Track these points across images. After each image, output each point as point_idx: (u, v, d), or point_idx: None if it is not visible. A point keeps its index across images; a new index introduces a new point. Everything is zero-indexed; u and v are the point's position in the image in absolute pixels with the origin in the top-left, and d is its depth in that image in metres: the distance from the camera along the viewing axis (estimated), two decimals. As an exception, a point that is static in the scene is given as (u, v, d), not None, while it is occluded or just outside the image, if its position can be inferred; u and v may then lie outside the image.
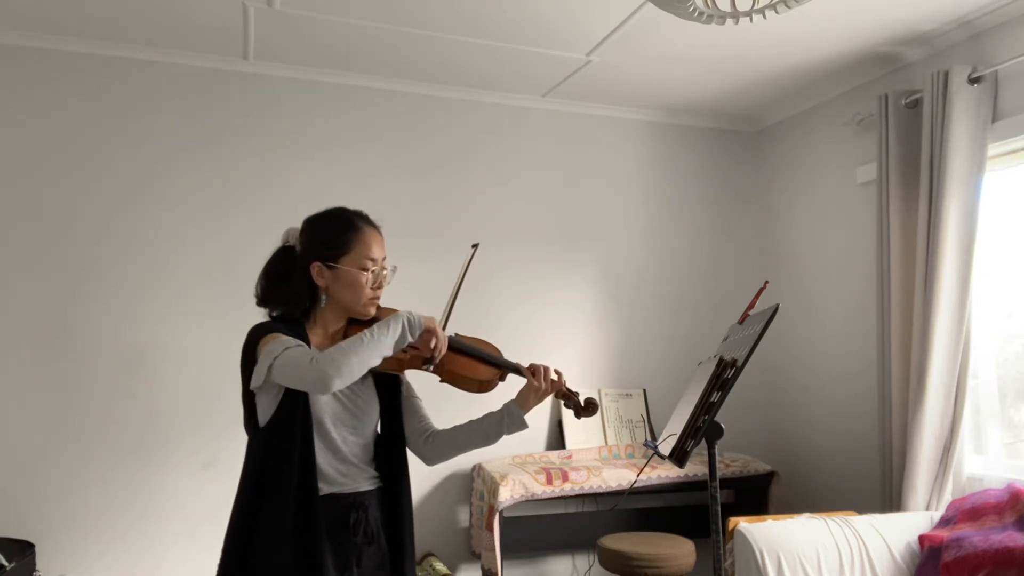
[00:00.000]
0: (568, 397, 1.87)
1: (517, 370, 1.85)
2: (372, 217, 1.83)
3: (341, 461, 1.72)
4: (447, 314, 1.85)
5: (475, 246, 1.96)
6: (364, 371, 1.62)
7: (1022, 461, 2.81)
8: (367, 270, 1.75)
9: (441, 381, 1.84)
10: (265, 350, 1.64)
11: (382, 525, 1.78)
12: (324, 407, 1.70)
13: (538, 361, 1.87)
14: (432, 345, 1.72)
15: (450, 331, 1.85)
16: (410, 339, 1.67)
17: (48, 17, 2.80)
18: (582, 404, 1.88)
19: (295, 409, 1.65)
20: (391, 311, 1.86)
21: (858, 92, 3.43)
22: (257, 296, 1.80)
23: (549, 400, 3.57)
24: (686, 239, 3.95)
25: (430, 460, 1.89)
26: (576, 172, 3.77)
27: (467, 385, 1.82)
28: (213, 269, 3.10)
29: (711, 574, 2.02)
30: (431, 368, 1.78)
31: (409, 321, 1.66)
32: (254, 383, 1.65)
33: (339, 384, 1.58)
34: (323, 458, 1.69)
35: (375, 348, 1.61)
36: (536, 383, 1.80)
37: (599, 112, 3.81)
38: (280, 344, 1.63)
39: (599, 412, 3.61)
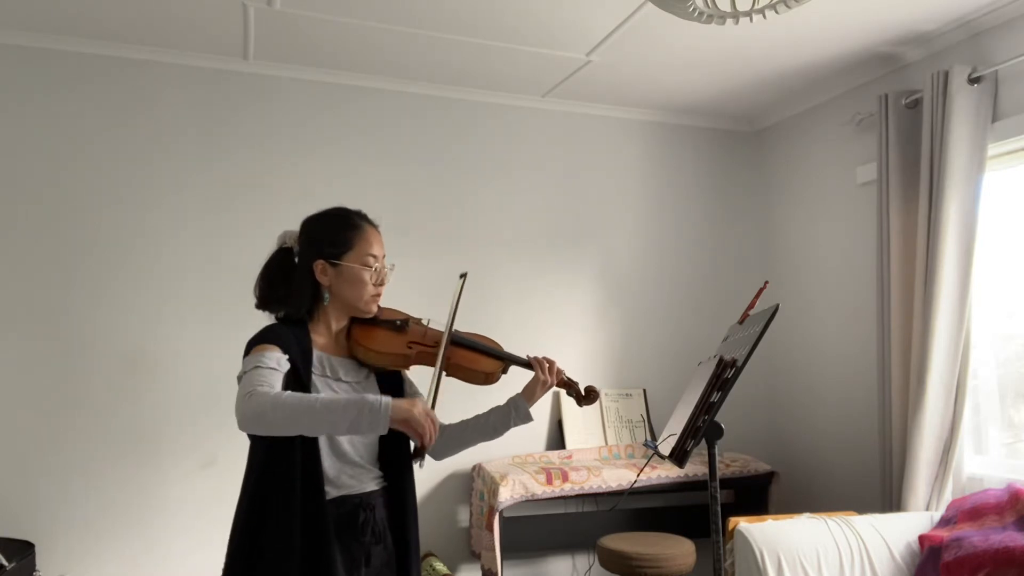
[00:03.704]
0: (569, 386, 1.93)
1: (519, 362, 1.89)
2: (371, 216, 1.84)
3: (348, 464, 1.71)
4: (443, 354, 1.76)
5: (463, 276, 1.86)
6: (293, 433, 1.53)
7: (1022, 461, 2.81)
8: (370, 267, 1.76)
9: (447, 375, 1.85)
10: (245, 361, 1.61)
11: (388, 524, 1.77)
12: None
13: (538, 359, 1.92)
14: (421, 434, 1.53)
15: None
16: (371, 431, 1.51)
17: (48, 17, 2.80)
18: (583, 393, 1.94)
19: None
20: (392, 311, 1.87)
21: (858, 92, 3.43)
22: (257, 299, 1.80)
23: (550, 398, 3.63)
24: (686, 239, 3.94)
25: (438, 455, 1.90)
26: (576, 172, 3.77)
27: (473, 377, 1.84)
28: (213, 269, 3.10)
29: (711, 574, 2.03)
30: (421, 462, 1.64)
31: (372, 410, 1.48)
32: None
33: (253, 431, 1.51)
34: (329, 462, 1.68)
35: (317, 420, 1.48)
36: (543, 376, 1.86)
37: (599, 112, 3.81)
38: (252, 361, 1.58)
39: (600, 410, 3.61)
